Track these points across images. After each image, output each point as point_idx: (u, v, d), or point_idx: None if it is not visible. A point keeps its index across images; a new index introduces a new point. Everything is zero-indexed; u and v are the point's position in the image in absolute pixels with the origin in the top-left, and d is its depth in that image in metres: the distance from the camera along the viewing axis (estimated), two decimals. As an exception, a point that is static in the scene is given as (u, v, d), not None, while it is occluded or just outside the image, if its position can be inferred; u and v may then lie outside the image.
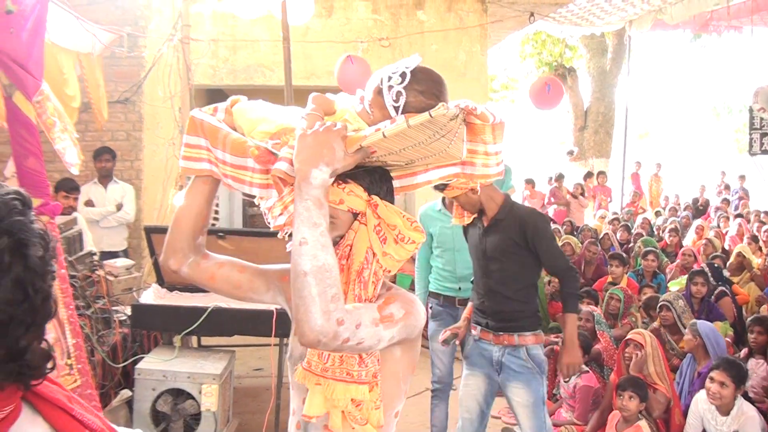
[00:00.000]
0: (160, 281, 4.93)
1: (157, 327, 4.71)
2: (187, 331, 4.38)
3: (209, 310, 4.35)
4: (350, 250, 1.68)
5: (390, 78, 1.65)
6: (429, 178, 1.85)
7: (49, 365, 1.00)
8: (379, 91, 1.66)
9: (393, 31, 7.45)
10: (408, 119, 1.51)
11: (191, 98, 6.14)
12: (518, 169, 19.03)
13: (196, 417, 4.16)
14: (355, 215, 1.69)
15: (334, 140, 1.54)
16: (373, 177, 1.70)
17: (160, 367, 4.23)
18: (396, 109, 1.62)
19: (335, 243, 1.64)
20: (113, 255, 6.30)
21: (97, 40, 5.69)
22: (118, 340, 4.49)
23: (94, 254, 5.05)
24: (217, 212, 5.33)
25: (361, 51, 7.03)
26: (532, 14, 7.80)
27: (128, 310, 4.67)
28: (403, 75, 1.64)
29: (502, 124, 1.78)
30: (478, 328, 3.69)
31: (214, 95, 10.47)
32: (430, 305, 4.47)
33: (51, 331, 3.38)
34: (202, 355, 4.50)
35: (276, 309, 4.40)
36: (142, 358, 4.42)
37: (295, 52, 5.00)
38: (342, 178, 1.65)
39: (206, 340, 5.19)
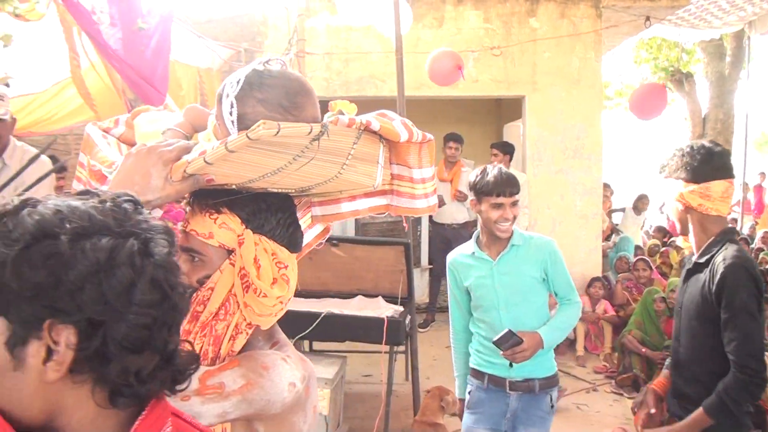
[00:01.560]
0: (275, 286, 5.07)
1: (272, 331, 4.85)
2: (301, 335, 4.48)
3: (322, 315, 4.44)
4: (211, 293, 1.36)
5: (228, 84, 1.38)
6: (356, 207, 1.62)
7: (193, 366, 0.99)
8: (219, 100, 1.39)
9: (504, 39, 7.38)
10: (226, 142, 1.22)
11: (305, 110, 6.29)
12: (631, 181, 18.40)
13: (308, 420, 4.24)
14: (230, 252, 1.37)
15: (154, 165, 1.27)
16: (257, 206, 1.38)
17: (274, 369, 4.34)
18: (233, 123, 1.34)
19: (201, 284, 1.37)
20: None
21: (217, 55, 5.96)
22: (235, 343, 4.64)
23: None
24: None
25: (472, 60, 7.01)
26: (647, 18, 7.52)
27: (244, 314, 4.83)
28: (239, 81, 1.36)
29: (428, 144, 1.53)
30: None
31: (326, 106, 10.71)
32: (468, 389, 3.24)
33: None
34: (314, 359, 4.55)
35: (387, 317, 4.44)
36: (257, 360, 4.54)
37: (406, 62, 5.03)
38: (216, 206, 1.37)
39: (318, 345, 5.28)
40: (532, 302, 3.05)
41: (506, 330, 2.82)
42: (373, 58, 7.20)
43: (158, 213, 3.58)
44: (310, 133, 1.23)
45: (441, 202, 7.11)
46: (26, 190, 3.32)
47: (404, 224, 4.71)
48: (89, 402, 0.89)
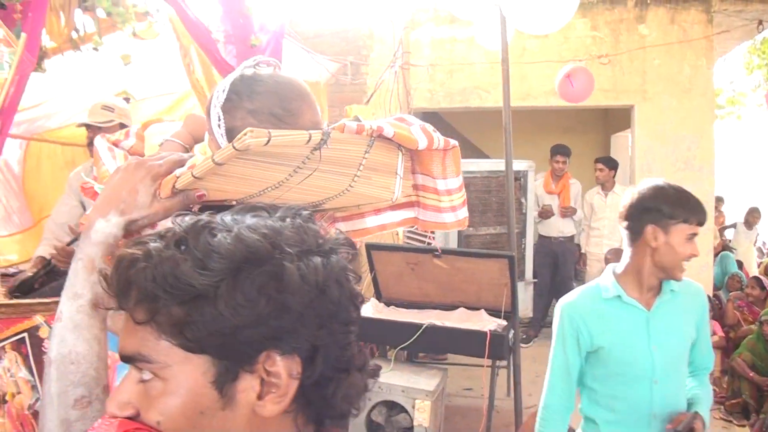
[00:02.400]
0: (378, 296, 5.13)
1: (374, 339, 4.90)
2: (403, 345, 4.51)
3: (424, 326, 4.45)
4: None
5: (215, 94, 1.27)
6: (382, 221, 1.50)
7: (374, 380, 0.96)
8: (207, 113, 1.29)
9: (613, 47, 7.19)
10: (214, 155, 1.11)
11: (410, 121, 6.35)
12: (744, 194, 17.46)
13: (408, 431, 4.25)
14: None
15: (141, 180, 1.16)
16: None
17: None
18: (222, 136, 1.25)
19: None
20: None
21: (324, 69, 6.10)
22: (337, 351, 4.72)
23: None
24: (433, 232, 5.44)
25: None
26: (760, 22, 7.14)
27: (347, 323, 4.91)
28: (224, 89, 1.26)
29: (453, 152, 1.39)
30: None
31: (430, 118, 10.76)
32: None
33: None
34: (415, 371, 4.59)
35: (490, 330, 4.40)
36: (359, 369, 4.60)
37: (511, 73, 4.99)
38: None
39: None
40: (683, 372, 2.27)
41: (692, 412, 2.13)
42: (477, 68, 7.18)
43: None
44: (309, 141, 1.12)
45: (549, 214, 6.99)
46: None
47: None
48: (292, 428, 0.85)
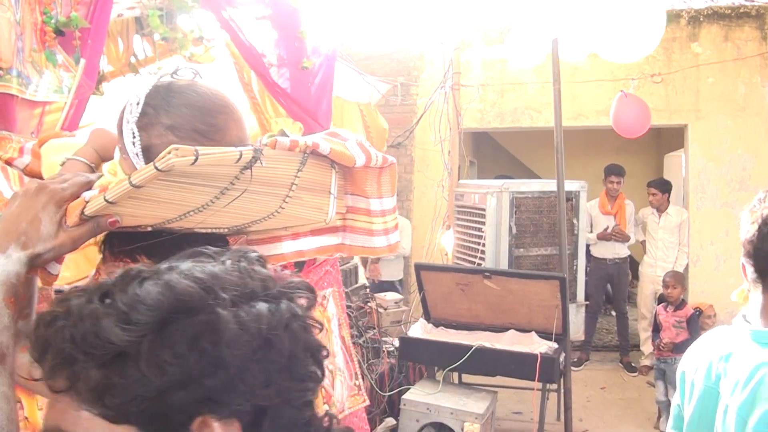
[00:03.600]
0: (427, 316, 5.12)
1: (423, 360, 4.89)
2: (452, 366, 4.49)
3: (473, 348, 4.42)
4: None
5: (128, 107, 1.12)
6: (299, 247, 1.37)
7: None
8: (119, 129, 1.14)
9: (666, 66, 7.09)
10: (130, 176, 0.97)
11: (460, 142, 6.36)
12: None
13: (457, 453, 4.22)
14: None
15: (44, 207, 1.00)
16: (182, 251, 1.03)
17: (424, 399, 4.37)
18: (138, 156, 1.10)
19: None
20: (390, 284, 6.81)
21: (376, 90, 6.16)
22: (386, 370, 4.73)
23: (367, 287, 5.40)
24: (483, 252, 5.42)
25: (632, 88, 6.78)
26: (815, 37, 6.98)
27: (396, 342, 4.92)
28: (138, 102, 1.11)
29: (390, 169, 1.29)
30: None
31: (479, 137, 10.75)
32: None
33: (339, 354, 3.67)
34: (465, 393, 4.56)
35: (540, 353, 4.35)
36: (408, 389, 4.60)
37: (562, 92, 4.97)
38: (130, 253, 1.15)
39: (467, 378, 5.26)
40: None
41: None
42: (528, 88, 7.16)
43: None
44: (239, 159, 1.00)
45: (611, 237, 6.87)
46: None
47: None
48: None
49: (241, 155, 1.00)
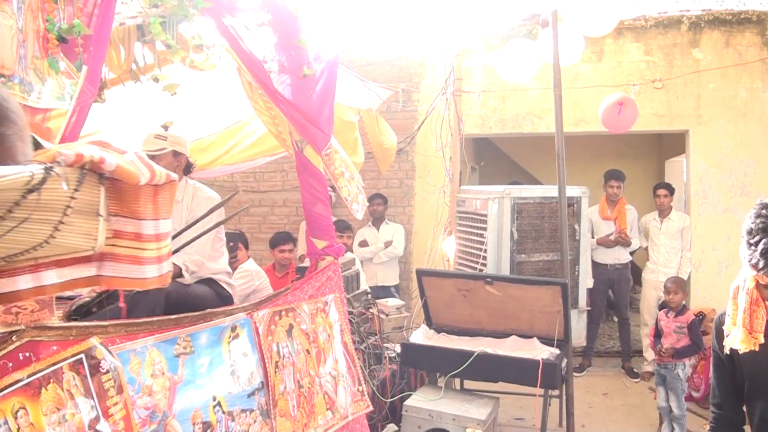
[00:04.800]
0: (429, 322, 5.12)
1: (425, 366, 4.88)
2: (454, 373, 4.48)
3: (475, 354, 4.42)
4: None
5: None
6: (40, 282, 1.11)
7: None
8: None
9: (666, 71, 7.10)
10: None
11: (462, 148, 6.37)
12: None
13: (460, 459, 4.21)
14: None
15: None
16: None
17: (426, 406, 4.36)
18: None
19: None
20: (386, 289, 6.83)
21: (377, 96, 6.17)
22: (388, 376, 4.72)
23: (369, 293, 5.40)
24: (485, 257, 5.42)
25: (633, 94, 6.79)
26: (816, 42, 6.99)
27: (398, 348, 4.91)
28: None
29: (169, 186, 1.15)
30: None
31: (480, 143, 10.75)
32: None
33: (342, 360, 3.67)
34: (467, 399, 4.56)
35: (542, 359, 4.34)
36: (410, 395, 4.59)
37: (564, 98, 4.97)
38: None
39: (469, 384, 5.25)
40: None
41: None
42: (529, 94, 7.17)
43: (321, 245, 3.74)
44: (30, 181, 0.82)
45: (611, 244, 6.88)
46: (195, 222, 3.61)
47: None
48: None
49: (32, 176, 0.82)
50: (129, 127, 4.68)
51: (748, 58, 6.97)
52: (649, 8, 7.62)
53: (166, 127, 4.12)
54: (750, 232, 1.93)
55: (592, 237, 6.85)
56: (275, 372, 3.12)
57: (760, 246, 1.85)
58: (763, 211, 1.89)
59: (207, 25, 3.47)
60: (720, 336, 2.20)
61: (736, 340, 2.08)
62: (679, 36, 7.12)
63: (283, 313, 3.35)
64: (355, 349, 4.29)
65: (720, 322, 2.22)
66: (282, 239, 5.96)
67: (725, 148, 7.07)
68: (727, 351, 2.15)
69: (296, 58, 3.74)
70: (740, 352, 2.10)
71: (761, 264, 1.88)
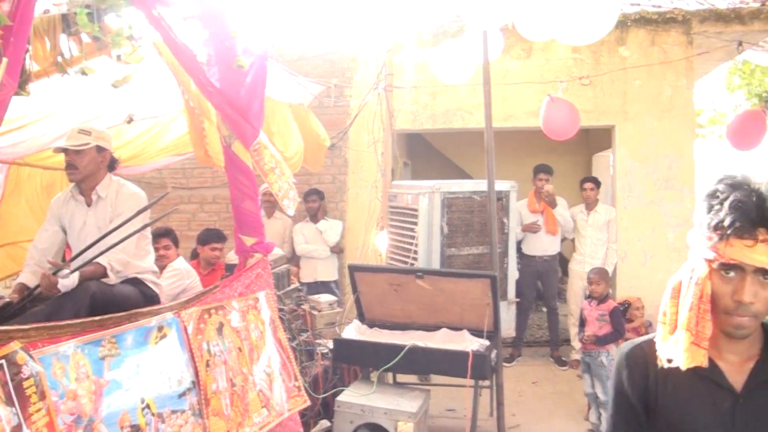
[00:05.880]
0: (361, 317, 5.14)
1: (357, 361, 4.91)
2: (385, 367, 4.52)
3: (407, 348, 4.46)
4: None
5: None
6: None
7: None
8: None
9: (594, 69, 7.29)
10: None
11: (393, 143, 6.40)
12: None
13: (392, 453, 4.25)
14: None
15: None
16: None
17: (358, 401, 4.39)
18: None
19: None
20: (326, 285, 6.83)
21: (308, 92, 6.14)
22: (320, 372, 4.72)
23: (300, 289, 5.38)
24: (416, 252, 5.47)
25: (561, 91, 6.94)
26: (740, 43, 7.27)
27: (330, 344, 4.92)
28: None
29: None
30: None
31: (412, 138, 10.83)
32: None
33: (276, 357, 3.65)
34: (398, 392, 4.60)
35: (472, 350, 4.42)
36: (342, 390, 4.60)
37: (493, 94, 5.06)
38: None
39: (401, 378, 5.29)
40: None
41: None
42: (460, 90, 7.25)
43: (250, 242, 3.70)
44: None
45: (536, 229, 7.03)
46: (121, 225, 3.53)
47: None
48: None
49: None
50: (53, 120, 4.54)
51: (673, 57, 7.21)
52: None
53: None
54: (713, 194, 1.42)
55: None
56: (206, 371, 3.09)
57: (729, 199, 1.43)
58: (726, 177, 1.44)
59: (135, 16, 3.39)
60: (633, 371, 1.61)
61: (678, 347, 1.50)
62: (606, 34, 7.30)
63: (213, 311, 3.31)
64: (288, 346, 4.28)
65: (631, 355, 1.63)
66: (214, 237, 5.86)
67: (650, 143, 7.30)
68: (663, 364, 1.54)
69: (226, 50, 3.68)
70: (669, 385, 1.57)
71: (729, 220, 1.40)
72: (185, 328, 3.05)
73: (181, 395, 2.91)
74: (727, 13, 7.08)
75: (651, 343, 1.62)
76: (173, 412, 2.83)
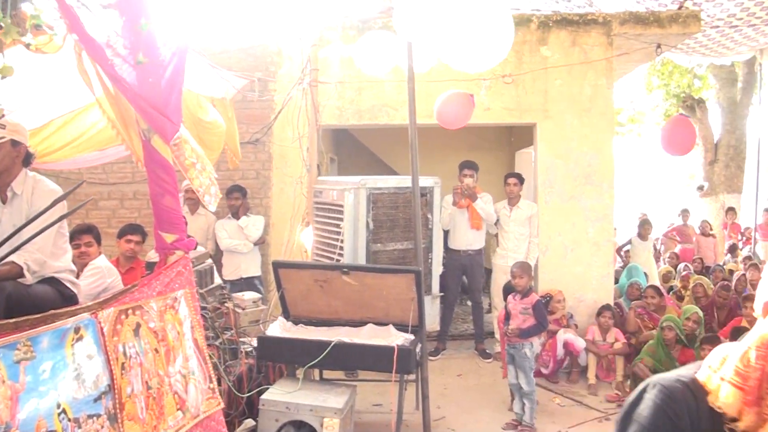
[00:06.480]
0: (286, 314, 5.10)
1: (282, 359, 4.86)
2: (311, 364, 4.49)
3: (332, 344, 4.44)
4: None
5: None
6: None
7: None
8: None
9: (516, 67, 7.43)
10: None
11: (318, 138, 6.36)
12: (647, 205, 18.32)
13: (318, 449, 4.23)
14: None
15: None
16: None
17: (283, 398, 4.35)
18: None
19: None
20: (249, 281, 6.73)
21: (231, 85, 6.04)
22: (244, 371, 4.65)
23: (224, 287, 5.29)
24: (341, 248, 5.45)
25: (484, 89, 7.06)
26: (658, 45, 7.55)
27: (255, 342, 4.85)
28: None
29: None
30: None
31: (339, 134, 10.80)
32: None
33: (192, 358, 3.57)
34: (324, 389, 4.58)
35: (397, 345, 4.44)
36: (267, 389, 4.55)
37: (417, 91, 5.08)
38: None
39: (328, 374, 5.28)
40: None
41: None
42: (385, 86, 7.26)
43: (171, 239, 3.61)
44: None
45: (466, 190, 7.07)
46: (35, 218, 3.38)
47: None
48: None
49: None
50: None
51: (593, 57, 7.42)
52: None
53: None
54: None
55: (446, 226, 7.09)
56: (122, 374, 3.00)
57: None
58: None
59: (48, 4, 3.25)
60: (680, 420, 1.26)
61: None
62: (529, 34, 7.46)
63: (130, 311, 3.21)
64: (210, 345, 4.20)
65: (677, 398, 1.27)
66: (130, 229, 5.67)
67: (571, 140, 7.50)
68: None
69: (144, 42, 3.57)
70: None
71: None
72: (102, 330, 2.95)
73: (97, 399, 2.82)
74: (647, 16, 7.35)
75: (699, 388, 1.27)
76: (89, 416, 2.74)
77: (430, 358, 6.89)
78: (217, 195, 4.26)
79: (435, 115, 6.07)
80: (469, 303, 8.27)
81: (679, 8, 7.47)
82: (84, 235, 4.95)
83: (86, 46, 3.36)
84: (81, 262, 4.62)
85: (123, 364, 3.02)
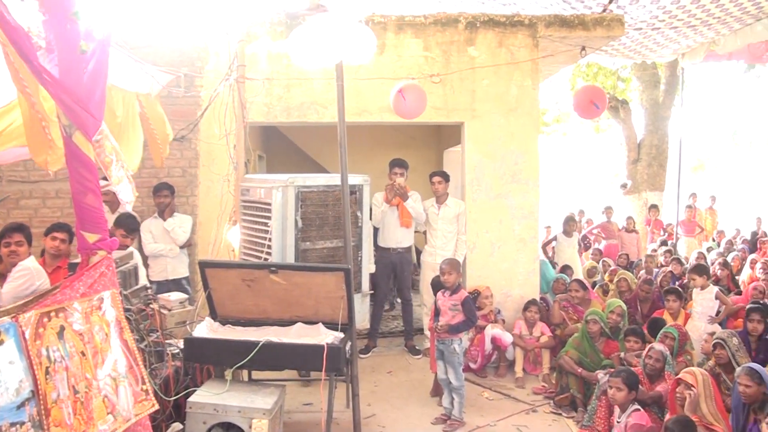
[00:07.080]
0: (213, 315, 5.02)
1: (209, 360, 4.78)
2: (239, 365, 4.43)
3: (261, 344, 4.40)
4: None
5: None
6: None
7: None
8: None
9: (444, 67, 7.51)
10: None
11: (246, 135, 6.28)
12: (572, 202, 18.85)
13: (247, 451, 4.18)
14: None
15: None
16: None
17: (211, 400, 4.29)
18: None
19: None
20: (177, 282, 6.60)
21: (155, 81, 5.88)
22: (171, 373, 4.56)
23: (149, 288, 5.16)
24: (270, 246, 5.40)
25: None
26: (583, 48, 7.78)
27: (181, 344, 4.76)
28: None
29: None
30: None
31: (268, 131, 10.69)
32: None
33: (121, 360, 3.47)
34: (252, 390, 4.53)
35: (326, 344, 4.43)
36: (194, 391, 4.47)
37: (347, 89, 5.08)
38: None
39: (256, 374, 5.22)
40: None
41: None
42: (314, 84, 7.23)
43: (93, 239, 3.50)
44: None
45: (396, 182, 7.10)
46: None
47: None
48: None
49: None
50: None
51: (519, 58, 7.57)
52: (429, 7, 8.03)
53: None
54: None
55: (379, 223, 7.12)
56: (46, 379, 2.89)
57: None
58: None
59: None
60: None
61: None
62: (457, 34, 7.55)
63: (53, 313, 3.10)
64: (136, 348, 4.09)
65: None
66: (55, 227, 5.48)
67: (497, 139, 7.63)
68: None
69: (68, 33, 3.44)
70: None
71: None
72: (23, 333, 2.83)
73: (20, 406, 2.71)
74: (572, 19, 7.55)
75: None
76: (12, 424, 2.64)
77: (361, 356, 6.91)
78: (134, 193, 4.15)
79: (392, 105, 6.15)
80: (398, 300, 8.33)
81: (603, 11, 7.70)
82: (15, 234, 4.77)
83: (8, 34, 3.21)
84: (10, 261, 4.43)
85: (47, 368, 2.91)
